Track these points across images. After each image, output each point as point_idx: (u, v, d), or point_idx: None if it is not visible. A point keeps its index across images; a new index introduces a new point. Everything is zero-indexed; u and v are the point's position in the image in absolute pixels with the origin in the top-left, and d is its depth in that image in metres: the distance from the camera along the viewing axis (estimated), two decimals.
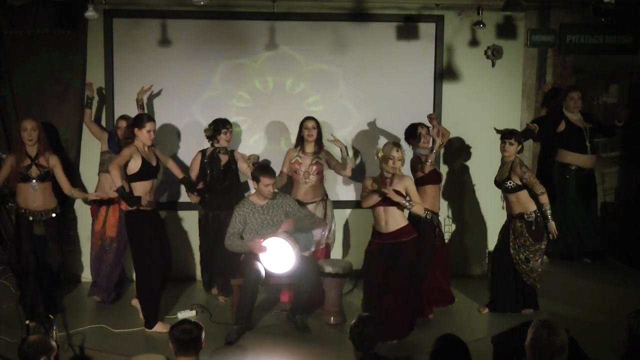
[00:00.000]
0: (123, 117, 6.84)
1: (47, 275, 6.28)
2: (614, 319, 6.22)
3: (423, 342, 5.73)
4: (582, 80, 7.95)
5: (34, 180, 6.16)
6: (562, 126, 7.28)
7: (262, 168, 6.24)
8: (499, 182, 6.49)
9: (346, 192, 7.72)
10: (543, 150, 7.80)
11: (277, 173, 6.59)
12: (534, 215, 6.39)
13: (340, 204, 7.50)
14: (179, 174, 6.45)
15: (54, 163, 6.28)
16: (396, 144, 5.97)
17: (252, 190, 6.47)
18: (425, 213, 6.28)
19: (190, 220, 7.54)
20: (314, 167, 6.83)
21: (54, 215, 6.30)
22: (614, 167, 8.15)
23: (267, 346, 5.91)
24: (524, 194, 6.41)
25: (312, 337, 6.09)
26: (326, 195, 7.03)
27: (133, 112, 6.93)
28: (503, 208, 6.67)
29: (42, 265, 6.24)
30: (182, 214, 7.58)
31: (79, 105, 7.29)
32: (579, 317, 6.46)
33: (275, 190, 6.32)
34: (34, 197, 6.20)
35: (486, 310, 6.67)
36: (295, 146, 6.96)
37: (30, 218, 6.20)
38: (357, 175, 7.33)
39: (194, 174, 6.86)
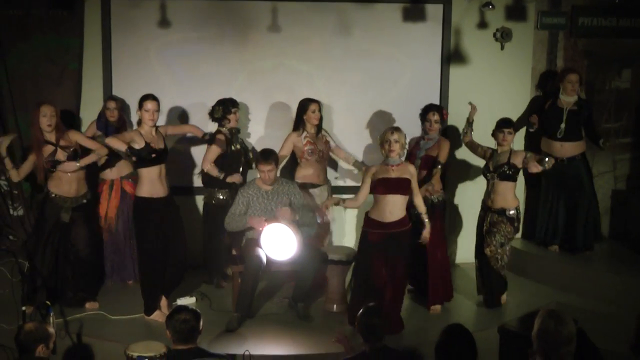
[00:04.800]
0: (112, 98, 6.88)
1: (77, 263, 6.32)
2: (623, 309, 6.25)
3: (429, 332, 5.75)
4: (594, 65, 7.92)
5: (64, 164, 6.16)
6: (547, 104, 7.24)
7: (262, 153, 6.23)
8: (495, 167, 6.39)
9: (350, 177, 7.68)
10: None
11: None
12: (516, 212, 6.39)
13: (343, 190, 7.44)
14: (198, 132, 6.63)
15: (75, 137, 6.26)
16: (394, 127, 5.99)
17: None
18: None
19: (190, 206, 7.54)
20: (326, 146, 6.94)
21: (84, 201, 6.32)
22: (626, 154, 8.12)
23: (268, 334, 5.93)
24: (512, 186, 6.41)
25: (314, 325, 6.11)
26: None
27: (132, 95, 6.95)
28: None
29: (73, 254, 6.30)
30: (180, 199, 7.52)
31: (75, 88, 7.28)
32: (587, 307, 6.46)
33: (280, 177, 6.35)
34: (70, 181, 6.19)
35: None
36: (296, 129, 6.89)
37: (61, 204, 6.21)
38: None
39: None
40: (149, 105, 5.96)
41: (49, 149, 6.13)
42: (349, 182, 7.66)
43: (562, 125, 7.18)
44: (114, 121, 6.82)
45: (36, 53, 7.18)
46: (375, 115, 7.64)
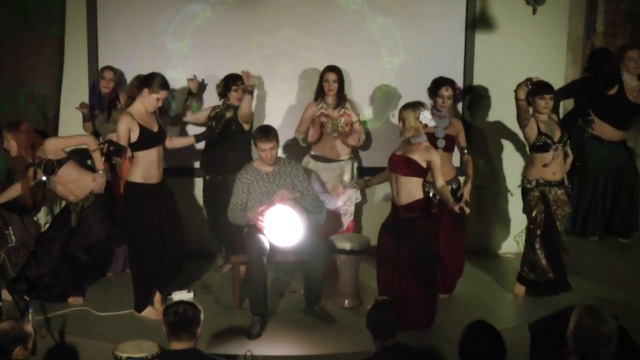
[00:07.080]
0: (109, 67, 6.87)
1: (75, 260, 6.48)
2: None
3: (451, 329, 5.70)
4: (638, 30, 7.76)
5: (49, 180, 6.28)
6: (614, 90, 7.01)
7: (260, 130, 6.11)
8: (560, 138, 6.30)
9: (370, 158, 7.64)
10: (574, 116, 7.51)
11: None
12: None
13: (362, 172, 7.43)
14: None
15: (53, 146, 6.31)
16: (404, 105, 5.80)
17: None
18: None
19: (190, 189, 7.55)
20: (342, 119, 6.90)
21: (86, 204, 6.40)
22: None
23: (272, 332, 5.85)
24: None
25: (323, 323, 6.02)
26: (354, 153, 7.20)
27: (119, 64, 7.06)
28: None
29: (72, 253, 6.47)
30: (179, 181, 7.44)
31: (57, 56, 7.24)
32: (629, 302, 6.34)
33: (283, 157, 6.36)
34: (66, 191, 6.37)
35: (522, 291, 6.55)
36: (315, 99, 7.01)
37: (72, 209, 6.43)
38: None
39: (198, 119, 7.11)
40: (163, 94, 5.88)
41: (30, 171, 6.29)
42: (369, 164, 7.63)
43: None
44: (107, 93, 6.81)
45: (13, 18, 7.10)
46: (393, 85, 7.60)
